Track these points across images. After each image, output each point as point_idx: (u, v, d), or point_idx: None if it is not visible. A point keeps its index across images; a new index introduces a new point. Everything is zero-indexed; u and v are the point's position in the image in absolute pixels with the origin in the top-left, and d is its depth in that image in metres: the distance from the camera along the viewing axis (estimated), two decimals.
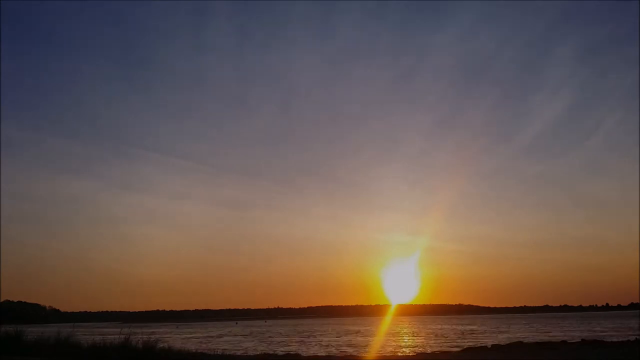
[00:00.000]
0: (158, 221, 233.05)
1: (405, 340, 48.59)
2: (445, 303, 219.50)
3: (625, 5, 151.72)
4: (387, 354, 31.21)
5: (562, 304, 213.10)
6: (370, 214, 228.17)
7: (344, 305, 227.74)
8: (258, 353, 33.61)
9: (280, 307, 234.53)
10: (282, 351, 34.53)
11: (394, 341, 48.14)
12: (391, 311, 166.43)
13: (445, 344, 41.01)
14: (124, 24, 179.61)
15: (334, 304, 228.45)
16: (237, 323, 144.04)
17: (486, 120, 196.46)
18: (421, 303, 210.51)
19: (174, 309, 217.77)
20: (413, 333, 63.89)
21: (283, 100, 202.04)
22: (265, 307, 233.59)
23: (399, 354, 31.37)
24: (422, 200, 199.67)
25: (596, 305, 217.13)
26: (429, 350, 34.32)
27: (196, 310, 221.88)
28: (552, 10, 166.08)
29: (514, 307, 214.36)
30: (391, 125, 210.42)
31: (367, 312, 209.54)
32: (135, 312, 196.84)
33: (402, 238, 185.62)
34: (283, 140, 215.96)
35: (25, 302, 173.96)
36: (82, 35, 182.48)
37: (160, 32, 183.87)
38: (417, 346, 39.53)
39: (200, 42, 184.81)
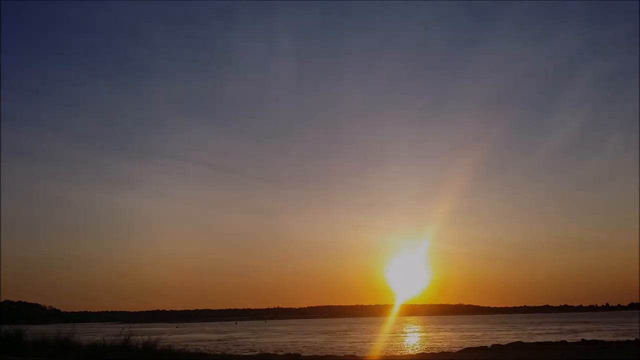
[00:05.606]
0: (158, 223, 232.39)
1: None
2: (445, 303, 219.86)
3: (630, 44, 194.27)
4: (388, 354, 31.21)
5: (562, 304, 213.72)
6: (379, 217, 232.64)
7: (344, 305, 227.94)
8: (257, 353, 33.64)
9: (280, 307, 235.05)
10: (281, 352, 34.54)
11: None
12: (393, 311, 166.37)
13: None
14: (204, 51, 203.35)
15: (334, 304, 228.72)
16: (236, 323, 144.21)
17: (508, 137, 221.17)
18: (422, 303, 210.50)
19: (174, 309, 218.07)
20: None
21: (326, 125, 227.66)
22: (265, 307, 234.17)
23: (400, 354, 31.36)
24: (434, 206, 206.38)
25: (596, 305, 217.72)
26: None
27: (196, 311, 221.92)
28: (569, 46, 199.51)
29: (514, 307, 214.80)
30: (419, 143, 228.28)
31: (368, 312, 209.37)
32: (135, 312, 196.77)
33: (407, 239, 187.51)
34: (325, 156, 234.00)
35: (25, 302, 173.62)
36: (161, 58, 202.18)
37: (234, 59, 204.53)
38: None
39: (264, 67, 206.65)
